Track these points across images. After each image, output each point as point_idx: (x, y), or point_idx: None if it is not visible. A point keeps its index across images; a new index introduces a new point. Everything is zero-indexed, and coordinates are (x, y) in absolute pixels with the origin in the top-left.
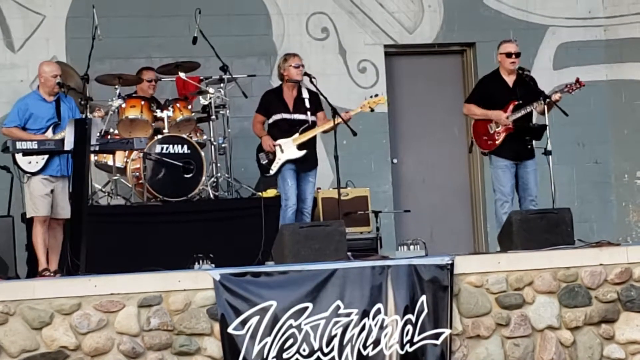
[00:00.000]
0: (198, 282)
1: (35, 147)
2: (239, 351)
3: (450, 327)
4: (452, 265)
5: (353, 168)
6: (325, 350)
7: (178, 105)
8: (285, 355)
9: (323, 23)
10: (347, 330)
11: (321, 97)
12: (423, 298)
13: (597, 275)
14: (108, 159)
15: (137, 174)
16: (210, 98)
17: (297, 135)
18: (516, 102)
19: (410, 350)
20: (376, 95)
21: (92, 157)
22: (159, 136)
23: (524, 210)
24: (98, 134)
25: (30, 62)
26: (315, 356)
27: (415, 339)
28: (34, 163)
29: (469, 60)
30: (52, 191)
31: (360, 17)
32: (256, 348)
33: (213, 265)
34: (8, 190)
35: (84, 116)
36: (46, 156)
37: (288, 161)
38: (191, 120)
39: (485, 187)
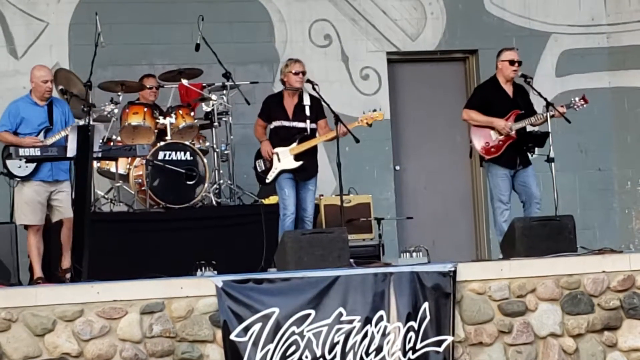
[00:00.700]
0: (200, 289)
1: (38, 154)
2: (242, 358)
3: (453, 334)
4: (454, 272)
5: (355, 175)
6: (328, 357)
7: (180, 112)
8: None
9: (326, 30)
10: (350, 337)
11: (324, 104)
12: (425, 305)
13: (599, 282)
14: (111, 166)
15: (140, 180)
16: (212, 105)
17: (294, 145)
18: (518, 112)
19: (412, 357)
20: (374, 111)
21: (95, 164)
22: (162, 143)
23: (526, 217)
24: (100, 141)
25: None
26: None
27: (418, 346)
28: (24, 167)
29: (472, 67)
30: (49, 198)
31: (363, 24)
32: (259, 355)
33: (215, 272)
34: (9, 196)
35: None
36: None
37: (284, 171)
38: (194, 127)
39: (487, 194)
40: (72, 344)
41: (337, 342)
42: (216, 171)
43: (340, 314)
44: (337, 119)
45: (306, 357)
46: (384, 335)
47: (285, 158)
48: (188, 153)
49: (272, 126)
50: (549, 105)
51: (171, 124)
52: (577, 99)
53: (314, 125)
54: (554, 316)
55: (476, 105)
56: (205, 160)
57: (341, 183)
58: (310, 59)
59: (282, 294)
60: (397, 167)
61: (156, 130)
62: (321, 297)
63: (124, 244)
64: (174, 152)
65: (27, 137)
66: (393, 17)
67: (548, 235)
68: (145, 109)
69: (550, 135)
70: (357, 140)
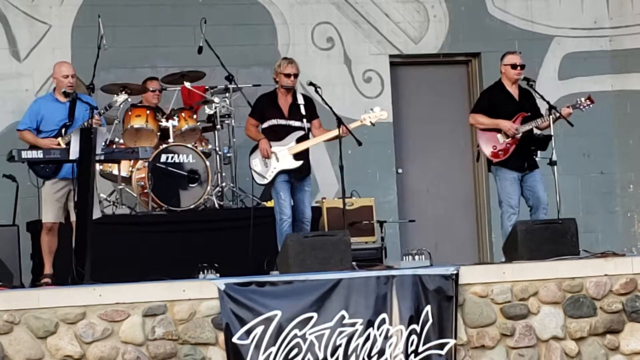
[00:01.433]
0: (203, 292)
1: (41, 156)
2: None
3: (455, 337)
4: (457, 275)
5: (358, 178)
6: None
7: (183, 114)
8: None
9: (328, 33)
10: (352, 340)
11: (326, 106)
12: (428, 308)
13: (602, 285)
14: (113, 168)
15: (142, 183)
16: (215, 107)
17: (293, 144)
18: (525, 115)
19: None
20: (378, 110)
21: (97, 167)
22: (164, 145)
23: (529, 220)
24: (103, 143)
25: (35, 72)
26: None
27: (420, 349)
28: (46, 166)
29: (474, 70)
30: (68, 197)
31: (366, 27)
32: (261, 358)
33: (218, 274)
34: (13, 199)
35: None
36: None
37: (282, 171)
38: (196, 130)
39: (490, 197)
40: (75, 346)
41: (340, 345)
42: (218, 174)
43: (343, 317)
44: (340, 121)
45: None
46: (386, 338)
47: (284, 158)
48: (190, 156)
49: (265, 125)
50: (551, 108)
51: (174, 126)
52: (582, 99)
53: (308, 125)
54: (557, 319)
55: (482, 108)
56: (207, 163)
57: (343, 186)
58: (313, 61)
59: (284, 297)
60: (400, 170)
61: (159, 133)
62: (323, 300)
63: (127, 247)
64: (176, 155)
65: (47, 138)
66: (396, 20)
67: (550, 239)
68: (148, 112)
69: (552, 138)
70: (360, 143)
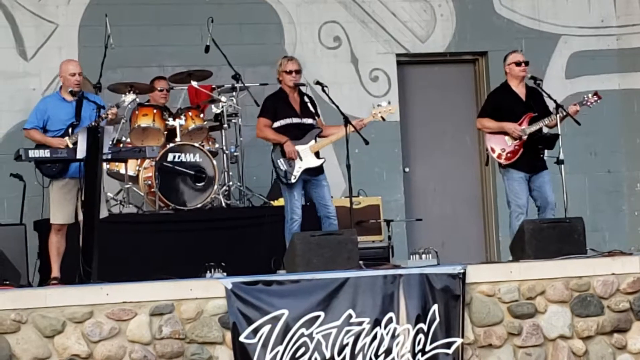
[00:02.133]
0: (210, 291)
1: (48, 155)
2: None
3: (462, 337)
4: (464, 274)
5: (365, 177)
6: (337, 359)
7: (190, 113)
8: None
9: (335, 32)
10: (359, 339)
11: (333, 105)
12: (435, 307)
13: (609, 284)
14: (120, 168)
15: (149, 182)
16: (222, 106)
17: (314, 142)
18: (532, 115)
19: (422, 359)
20: (386, 104)
21: (104, 166)
22: (171, 145)
23: (536, 219)
24: (110, 143)
25: (42, 71)
26: None
27: (427, 348)
28: (53, 165)
29: (481, 69)
30: (77, 196)
31: (373, 26)
32: (268, 357)
33: (225, 273)
34: (21, 198)
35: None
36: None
37: (306, 169)
38: (203, 129)
39: (497, 196)
40: (82, 345)
41: (347, 344)
42: (225, 173)
43: (350, 316)
44: (347, 120)
45: (315, 358)
46: (393, 337)
47: (306, 156)
48: (197, 155)
49: (277, 125)
50: (558, 107)
51: (181, 125)
52: (589, 95)
53: (316, 122)
54: (564, 318)
55: (488, 112)
56: (214, 162)
57: (350, 185)
58: (320, 61)
59: (291, 296)
60: (407, 169)
61: (165, 132)
62: (330, 298)
63: (134, 246)
64: (183, 154)
65: (55, 137)
66: (403, 19)
67: (558, 238)
68: (155, 111)
69: (559, 137)
70: (367, 142)
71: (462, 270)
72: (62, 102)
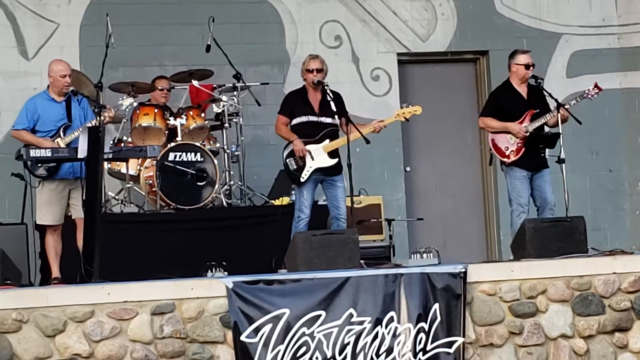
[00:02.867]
0: (211, 290)
1: (49, 154)
2: (252, 359)
3: (464, 336)
4: (465, 273)
5: (366, 176)
6: (338, 358)
7: (191, 113)
8: None
9: (336, 31)
10: (360, 338)
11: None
12: (436, 306)
13: (610, 283)
14: (121, 167)
15: (151, 181)
16: (223, 106)
17: (327, 142)
18: (534, 112)
19: (423, 358)
20: (410, 105)
21: (106, 165)
22: (172, 144)
23: (537, 218)
24: (111, 142)
25: (44, 70)
26: None
27: (428, 347)
28: (45, 166)
29: (482, 68)
30: (69, 196)
31: (374, 25)
32: (269, 356)
33: (226, 273)
34: (22, 197)
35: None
36: None
37: (318, 169)
38: (204, 128)
39: (498, 195)
40: (83, 344)
41: (348, 343)
42: (227, 172)
43: (351, 315)
44: (348, 120)
45: (317, 358)
46: (394, 336)
47: (319, 156)
48: (198, 154)
49: (294, 122)
50: (559, 106)
51: (182, 125)
52: (590, 87)
53: (338, 121)
54: (565, 317)
55: (491, 111)
56: (215, 162)
57: (352, 184)
58: None
59: (292, 295)
60: (408, 168)
61: (167, 131)
62: (332, 298)
63: (135, 245)
64: (184, 153)
65: (47, 137)
66: (403, 18)
67: (559, 237)
68: (156, 110)
69: (561, 136)
70: (368, 142)
71: (463, 270)
72: (52, 102)
